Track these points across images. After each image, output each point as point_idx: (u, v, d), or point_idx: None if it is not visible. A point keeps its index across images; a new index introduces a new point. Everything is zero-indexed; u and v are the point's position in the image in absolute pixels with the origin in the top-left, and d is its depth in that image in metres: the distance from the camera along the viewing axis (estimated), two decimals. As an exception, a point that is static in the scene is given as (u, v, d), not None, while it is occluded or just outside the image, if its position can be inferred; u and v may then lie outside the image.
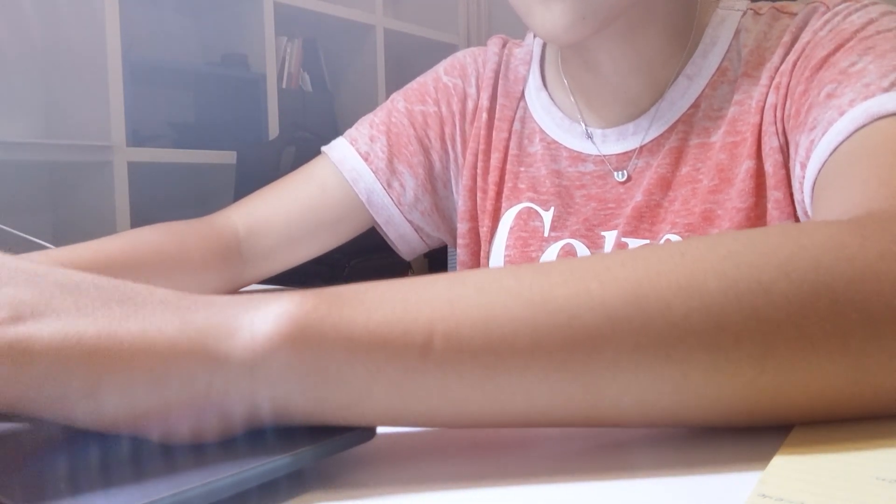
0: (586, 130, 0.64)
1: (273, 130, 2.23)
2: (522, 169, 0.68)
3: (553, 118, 0.67)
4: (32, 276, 0.27)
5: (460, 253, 0.72)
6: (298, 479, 0.27)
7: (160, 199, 2.18)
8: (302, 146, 2.02)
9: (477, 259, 0.71)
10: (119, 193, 1.85)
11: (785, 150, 0.55)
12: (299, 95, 2.44)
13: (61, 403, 0.25)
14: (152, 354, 0.25)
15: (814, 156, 0.48)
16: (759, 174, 0.56)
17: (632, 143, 0.62)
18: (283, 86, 2.40)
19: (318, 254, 0.72)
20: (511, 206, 0.67)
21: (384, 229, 0.72)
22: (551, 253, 0.65)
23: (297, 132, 2.09)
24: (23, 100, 1.97)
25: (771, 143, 0.56)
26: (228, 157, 2.12)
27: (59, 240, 0.54)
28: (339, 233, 0.71)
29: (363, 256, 1.95)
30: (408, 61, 2.93)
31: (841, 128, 0.45)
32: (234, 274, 0.68)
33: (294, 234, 0.69)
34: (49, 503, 0.22)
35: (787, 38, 0.56)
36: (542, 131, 0.67)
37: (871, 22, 0.51)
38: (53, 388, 0.24)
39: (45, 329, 0.25)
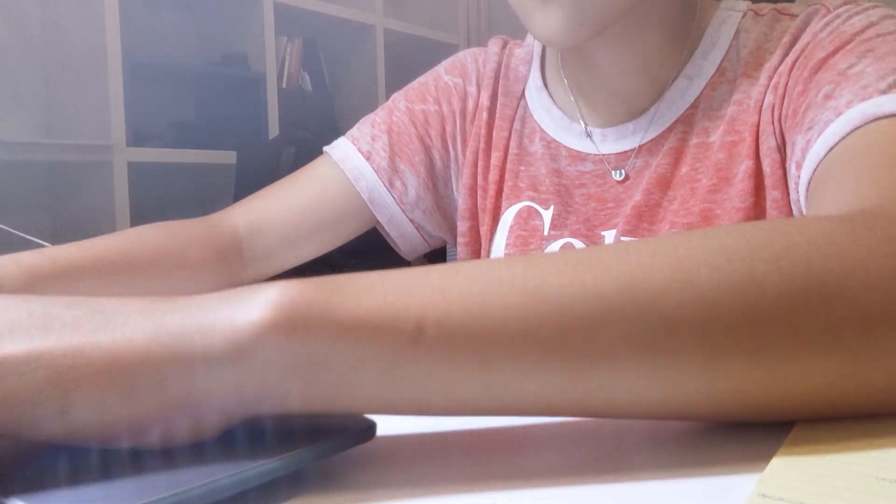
0: (586, 129, 0.64)
1: (273, 130, 2.23)
2: (522, 168, 0.68)
3: (553, 117, 0.67)
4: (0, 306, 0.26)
5: (460, 251, 0.72)
6: (298, 480, 0.27)
7: (160, 199, 2.18)
8: (302, 146, 2.02)
9: (477, 257, 0.71)
10: (119, 193, 1.85)
11: (782, 150, 0.55)
12: (299, 95, 2.44)
13: (34, 423, 0.24)
14: (122, 366, 0.25)
15: (809, 155, 0.48)
16: (757, 174, 0.57)
17: (631, 143, 0.62)
18: (283, 86, 2.40)
19: (319, 253, 0.72)
20: (511, 205, 0.67)
21: (386, 228, 0.72)
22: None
23: (297, 132, 2.08)
24: (23, 100, 1.97)
25: (768, 143, 0.56)
26: (228, 157, 2.12)
27: (59, 240, 0.54)
28: (340, 232, 0.71)
29: (363, 256, 1.94)
30: (408, 61, 2.93)
31: (837, 128, 0.46)
32: (234, 273, 0.68)
33: (295, 234, 0.69)
34: (49, 503, 0.22)
35: (786, 40, 0.56)
36: (541, 130, 0.67)
37: (870, 25, 0.51)
38: (24, 409, 0.24)
39: (9, 350, 0.24)
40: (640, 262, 0.28)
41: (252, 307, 0.26)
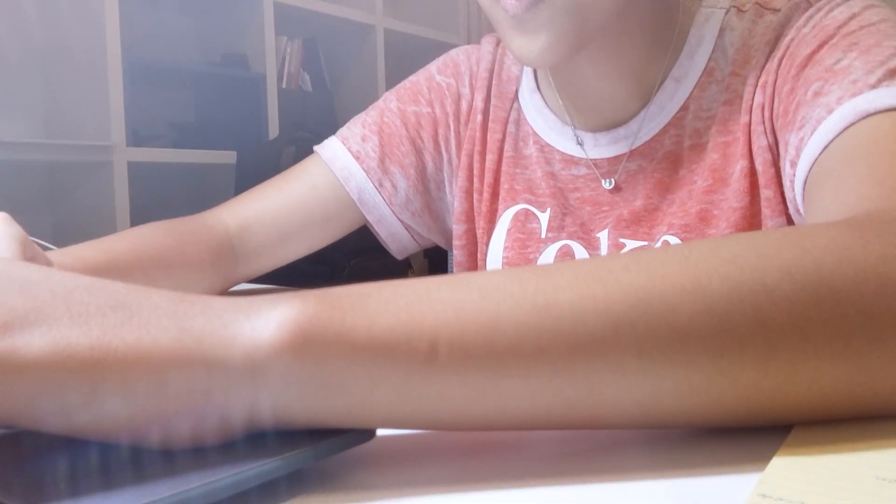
0: (576, 135, 0.64)
1: (273, 130, 2.23)
2: (518, 171, 0.67)
3: (546, 121, 0.66)
4: (25, 282, 0.26)
5: (457, 254, 0.72)
6: (298, 480, 0.27)
7: (160, 199, 2.18)
8: (302, 146, 2.02)
9: (474, 260, 0.71)
10: (119, 193, 1.85)
11: (774, 149, 0.55)
12: (299, 95, 2.44)
13: (57, 416, 0.24)
14: (148, 364, 0.25)
15: (804, 154, 0.48)
16: (751, 173, 0.56)
17: (621, 148, 0.62)
18: (283, 86, 2.40)
19: (309, 251, 0.72)
20: (508, 208, 0.67)
21: (375, 228, 0.72)
22: (549, 254, 0.65)
23: (297, 132, 2.09)
24: (23, 100, 1.97)
25: (760, 143, 0.56)
26: (228, 157, 2.12)
27: (59, 240, 0.54)
28: (329, 231, 0.71)
29: (363, 256, 1.95)
30: (408, 61, 2.92)
31: (830, 126, 0.45)
32: (228, 271, 0.68)
33: (284, 232, 0.69)
34: None
35: (770, 36, 0.56)
36: (535, 133, 0.67)
37: (853, 17, 0.50)
38: (47, 401, 0.24)
39: (35, 340, 0.24)
40: (650, 274, 0.28)
41: (269, 325, 0.26)
